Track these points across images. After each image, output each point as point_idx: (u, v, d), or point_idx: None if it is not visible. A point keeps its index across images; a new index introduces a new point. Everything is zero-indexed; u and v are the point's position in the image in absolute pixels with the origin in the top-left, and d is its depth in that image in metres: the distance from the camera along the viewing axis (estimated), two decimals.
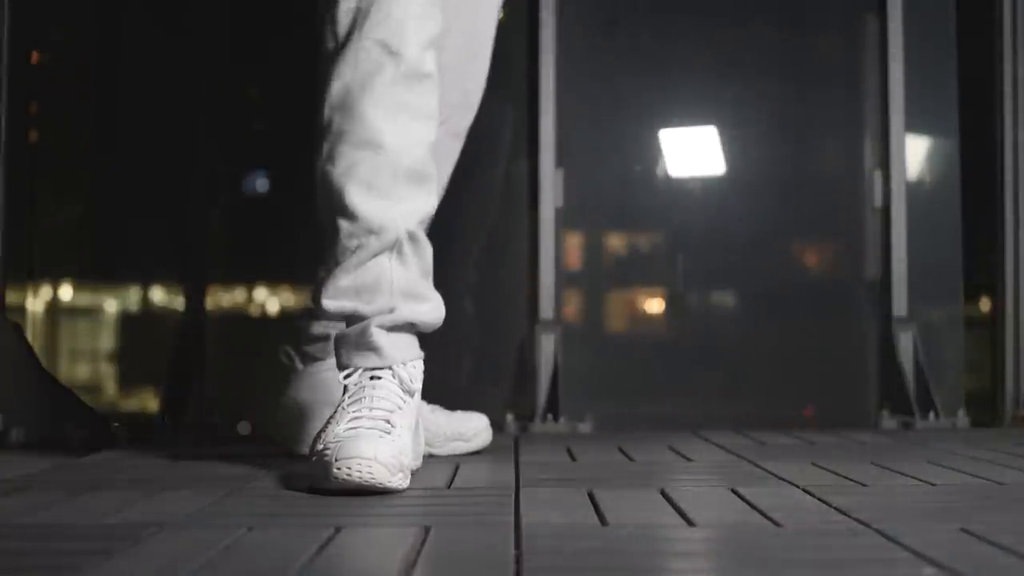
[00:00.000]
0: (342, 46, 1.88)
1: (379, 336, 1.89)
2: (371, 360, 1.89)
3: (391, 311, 1.90)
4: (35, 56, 3.17)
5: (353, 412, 1.82)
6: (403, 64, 1.88)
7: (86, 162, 3.48)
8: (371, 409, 1.82)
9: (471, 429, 2.31)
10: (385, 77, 1.88)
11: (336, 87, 1.88)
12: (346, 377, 1.89)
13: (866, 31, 3.28)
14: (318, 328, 2.26)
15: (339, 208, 1.89)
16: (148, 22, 3.34)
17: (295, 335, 2.28)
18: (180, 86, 3.21)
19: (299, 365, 2.27)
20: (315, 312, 2.27)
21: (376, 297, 1.90)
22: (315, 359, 2.26)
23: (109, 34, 3.41)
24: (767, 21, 3.31)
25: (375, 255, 1.90)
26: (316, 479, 1.75)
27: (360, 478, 1.69)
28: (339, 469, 1.70)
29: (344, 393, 1.87)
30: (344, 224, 1.89)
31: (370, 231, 1.89)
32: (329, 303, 1.92)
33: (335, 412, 1.85)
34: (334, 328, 2.27)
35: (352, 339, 1.90)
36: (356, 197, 1.88)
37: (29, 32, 2.97)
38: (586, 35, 3.26)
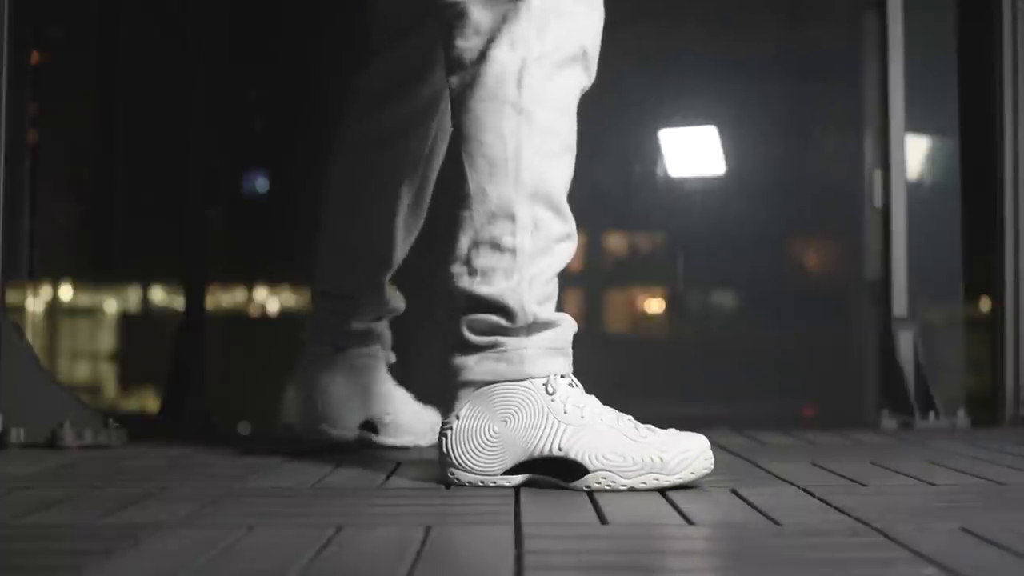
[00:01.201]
0: (554, 49, 1.81)
1: None
2: (569, 365, 1.87)
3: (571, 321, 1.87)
4: (35, 56, 3.17)
5: (611, 413, 1.81)
6: (590, 79, 1.87)
7: (86, 162, 3.48)
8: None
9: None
10: (579, 87, 1.86)
11: (553, 87, 1.82)
12: (551, 381, 1.81)
13: (866, 30, 3.28)
14: (358, 324, 2.26)
15: (549, 201, 1.81)
16: (148, 22, 3.34)
17: (325, 322, 2.28)
18: (180, 86, 3.21)
19: (321, 350, 2.28)
20: (357, 306, 2.28)
21: (554, 304, 1.86)
22: (341, 348, 2.27)
23: (109, 34, 3.41)
24: (767, 20, 3.31)
25: (567, 261, 1.85)
26: (647, 471, 1.75)
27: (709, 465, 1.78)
28: (703, 460, 1.77)
29: (559, 396, 1.80)
30: (552, 220, 1.81)
31: (570, 236, 1.85)
32: (539, 310, 1.81)
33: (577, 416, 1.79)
34: (373, 321, 2.29)
35: (552, 345, 1.83)
36: (563, 197, 1.84)
37: (29, 32, 2.97)
38: None
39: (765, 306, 3.28)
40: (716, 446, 2.42)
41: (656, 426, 1.82)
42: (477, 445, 1.80)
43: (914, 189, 3.23)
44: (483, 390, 1.81)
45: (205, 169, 3.22)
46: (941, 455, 2.23)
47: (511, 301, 1.79)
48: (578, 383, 1.84)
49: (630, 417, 1.82)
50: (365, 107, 2.25)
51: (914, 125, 3.23)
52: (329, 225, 2.29)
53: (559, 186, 1.83)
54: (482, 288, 1.80)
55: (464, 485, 1.80)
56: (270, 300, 3.48)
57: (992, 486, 1.82)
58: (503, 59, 1.79)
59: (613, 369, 3.25)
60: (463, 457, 1.80)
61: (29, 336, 2.67)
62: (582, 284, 3.33)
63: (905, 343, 3.13)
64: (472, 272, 1.81)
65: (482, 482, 1.80)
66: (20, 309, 3.19)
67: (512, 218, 1.80)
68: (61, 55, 3.44)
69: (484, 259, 1.80)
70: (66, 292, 3.72)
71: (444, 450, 1.82)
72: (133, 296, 3.63)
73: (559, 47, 1.81)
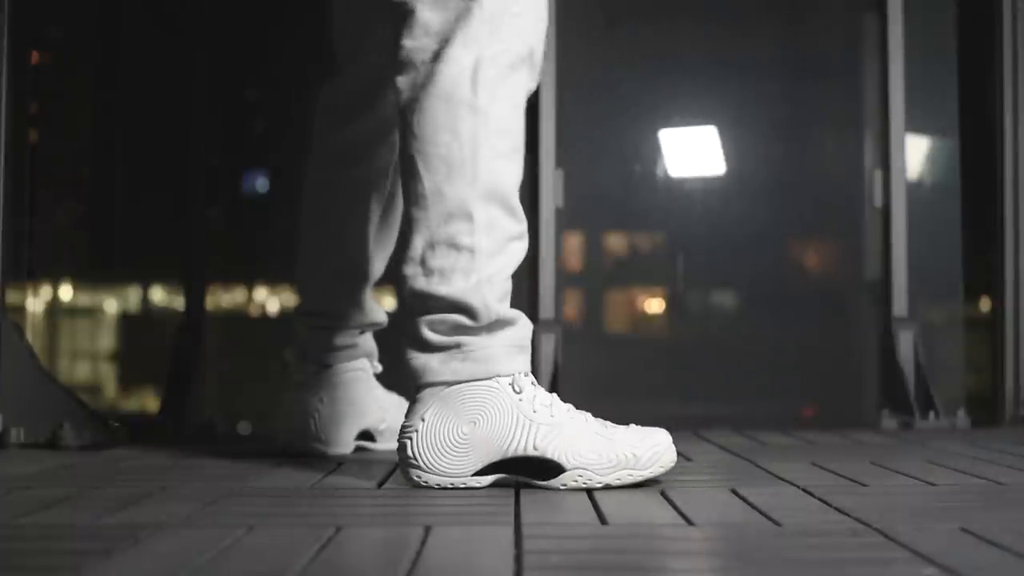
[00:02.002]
0: (505, 50, 1.81)
1: None
2: (529, 363, 1.86)
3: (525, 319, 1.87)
4: (35, 56, 3.17)
5: (575, 411, 1.82)
6: (536, 81, 1.87)
7: (86, 162, 3.48)
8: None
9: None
10: (527, 88, 1.85)
11: (506, 88, 1.81)
12: (517, 379, 1.81)
13: (866, 31, 3.28)
14: (342, 339, 2.26)
15: (503, 201, 1.81)
16: (148, 22, 3.35)
17: (309, 341, 2.27)
18: (180, 86, 3.22)
19: (307, 369, 2.27)
20: (347, 318, 2.28)
21: (509, 301, 1.85)
22: (327, 365, 2.26)
23: (109, 34, 3.41)
24: (767, 21, 3.31)
25: (520, 261, 1.85)
26: (625, 466, 1.77)
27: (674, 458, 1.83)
28: (671, 453, 1.81)
29: (520, 393, 1.80)
30: (506, 219, 1.81)
31: (523, 235, 1.84)
32: (499, 307, 1.81)
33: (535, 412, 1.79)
34: (357, 335, 2.29)
35: (514, 344, 1.82)
36: (515, 196, 1.84)
37: (29, 32, 2.97)
38: (586, 35, 3.26)
39: (765, 306, 3.29)
40: (716, 446, 2.43)
41: (658, 426, 1.82)
42: (445, 447, 1.78)
43: (914, 189, 3.23)
44: (448, 391, 1.79)
45: (205, 169, 3.22)
46: (941, 455, 2.23)
47: (474, 300, 1.79)
48: (535, 381, 1.84)
49: (588, 413, 1.82)
50: (331, 123, 2.26)
51: (914, 125, 3.23)
52: (305, 240, 2.30)
53: (511, 186, 1.83)
54: (441, 288, 1.79)
55: (432, 488, 1.79)
56: (270, 300, 3.48)
57: (992, 486, 1.82)
58: (458, 59, 1.79)
59: (613, 369, 3.25)
60: (431, 460, 1.78)
61: (29, 336, 2.67)
62: (582, 284, 3.33)
63: (905, 343, 3.13)
64: (428, 273, 1.80)
65: (451, 484, 1.78)
66: (20, 309, 3.19)
67: (469, 218, 1.79)
68: (61, 55, 3.44)
69: (441, 259, 1.79)
70: (66, 292, 3.72)
71: (409, 453, 1.79)
72: (133, 296, 3.63)
73: (509, 48, 1.81)
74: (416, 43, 1.81)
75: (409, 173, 1.82)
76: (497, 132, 1.80)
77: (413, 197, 1.81)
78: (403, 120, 1.83)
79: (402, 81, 1.83)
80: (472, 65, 1.79)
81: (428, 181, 1.80)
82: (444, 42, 1.80)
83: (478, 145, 1.79)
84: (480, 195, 1.79)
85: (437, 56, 1.80)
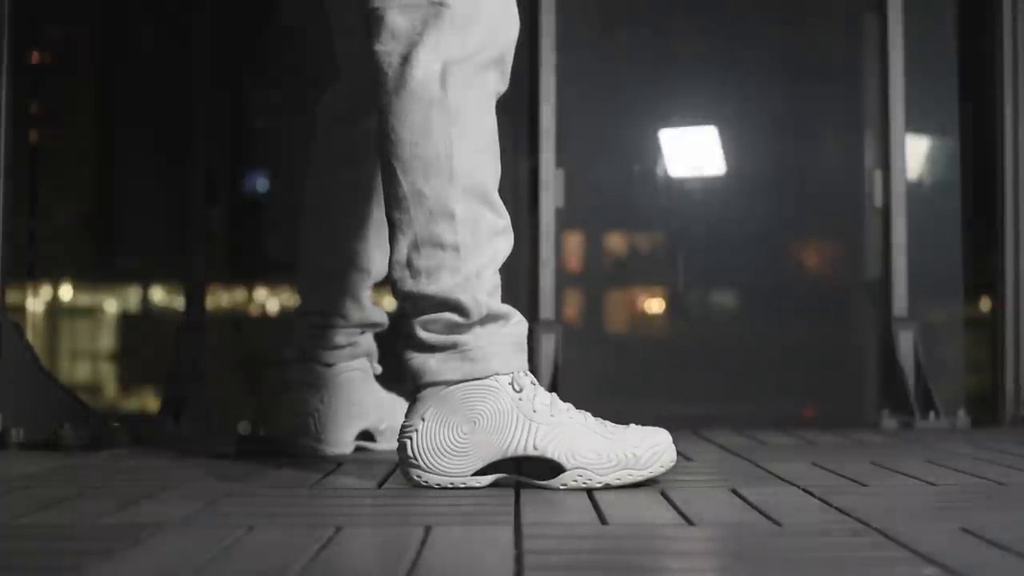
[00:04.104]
0: (474, 53, 1.82)
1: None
2: (526, 361, 1.86)
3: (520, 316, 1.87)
4: (35, 56, 3.17)
5: (574, 411, 1.82)
6: (506, 84, 1.88)
7: (86, 162, 3.48)
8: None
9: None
10: (496, 90, 1.86)
11: (475, 88, 1.82)
12: (516, 378, 1.81)
13: (866, 30, 3.28)
14: (342, 339, 2.26)
15: (483, 197, 1.81)
16: (148, 22, 3.35)
17: (309, 340, 2.28)
18: (180, 86, 3.22)
19: (307, 369, 2.27)
20: (343, 316, 2.28)
21: (499, 296, 1.85)
22: (327, 365, 2.27)
23: (109, 34, 3.41)
24: (767, 21, 3.31)
25: (506, 254, 1.85)
26: (625, 466, 1.78)
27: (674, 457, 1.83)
28: (671, 453, 1.81)
29: (520, 392, 1.80)
30: (488, 214, 1.81)
31: (507, 230, 1.85)
32: (489, 301, 1.81)
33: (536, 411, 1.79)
34: (358, 335, 2.29)
35: (512, 341, 1.82)
36: (495, 192, 1.84)
37: (29, 32, 2.97)
38: (586, 35, 3.26)
39: (765, 306, 3.29)
40: (716, 446, 2.43)
41: (658, 426, 1.82)
42: (446, 447, 1.78)
43: (914, 189, 3.23)
44: (448, 391, 1.79)
45: (205, 169, 3.22)
46: (941, 455, 2.23)
47: (462, 296, 1.79)
48: (535, 380, 1.84)
49: (588, 413, 1.82)
50: (332, 125, 2.27)
51: (914, 125, 3.23)
52: (305, 240, 2.30)
53: (490, 181, 1.84)
54: (429, 287, 1.80)
55: (432, 487, 1.79)
56: (270, 300, 3.48)
57: (992, 486, 1.82)
58: (427, 62, 1.80)
59: (613, 369, 3.25)
60: (431, 460, 1.78)
61: (29, 336, 2.67)
62: (582, 284, 3.33)
63: (905, 343, 3.13)
64: (415, 274, 1.81)
65: (451, 484, 1.79)
66: (20, 309, 3.19)
67: (451, 215, 1.80)
68: (61, 55, 3.45)
69: (426, 259, 1.80)
70: (66, 292, 3.72)
71: (409, 453, 1.79)
72: (133, 296, 3.63)
73: (479, 52, 1.82)
74: (384, 47, 1.82)
75: (388, 177, 1.83)
76: (470, 129, 1.81)
77: (394, 201, 1.82)
78: (380, 126, 1.84)
79: (376, 86, 1.84)
80: (441, 68, 1.80)
81: (406, 183, 1.81)
82: (412, 46, 1.81)
83: (452, 143, 1.80)
84: (459, 192, 1.80)
85: (406, 60, 1.81)
